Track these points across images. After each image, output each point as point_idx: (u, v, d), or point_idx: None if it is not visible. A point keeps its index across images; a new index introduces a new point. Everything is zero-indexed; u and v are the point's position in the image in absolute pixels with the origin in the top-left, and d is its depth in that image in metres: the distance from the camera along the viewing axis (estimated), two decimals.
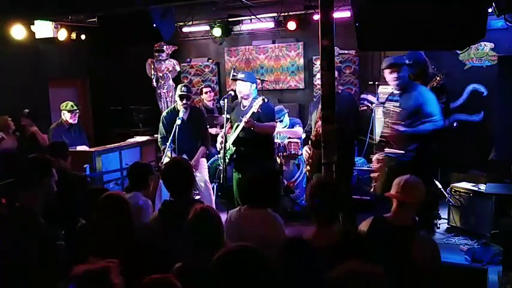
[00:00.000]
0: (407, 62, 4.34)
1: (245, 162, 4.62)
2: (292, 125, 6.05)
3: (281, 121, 5.94)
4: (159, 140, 5.21)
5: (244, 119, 4.51)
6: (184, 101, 4.93)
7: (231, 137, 4.75)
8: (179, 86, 5.12)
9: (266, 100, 4.58)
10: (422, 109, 4.09)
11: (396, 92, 4.29)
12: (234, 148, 4.75)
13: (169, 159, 4.80)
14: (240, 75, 4.75)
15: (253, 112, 4.51)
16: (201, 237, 2.27)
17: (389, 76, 4.21)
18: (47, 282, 2.32)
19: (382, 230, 2.56)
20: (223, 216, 4.89)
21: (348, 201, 4.42)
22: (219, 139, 5.06)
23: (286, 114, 6.03)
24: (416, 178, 2.78)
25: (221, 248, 1.87)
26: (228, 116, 4.85)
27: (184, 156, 4.72)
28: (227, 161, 4.78)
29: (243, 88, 4.70)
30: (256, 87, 4.86)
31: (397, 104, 4.23)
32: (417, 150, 4.09)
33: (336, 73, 4.12)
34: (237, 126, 4.68)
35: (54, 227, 2.66)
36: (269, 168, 3.02)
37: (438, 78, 4.55)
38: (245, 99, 4.74)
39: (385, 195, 2.77)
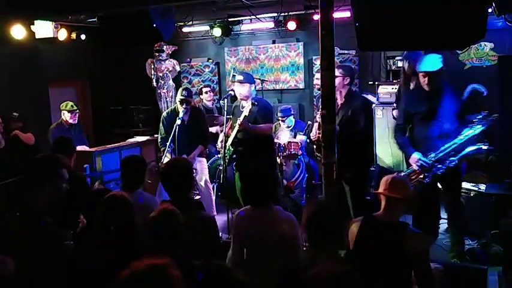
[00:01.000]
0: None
1: (245, 162, 4.61)
2: (294, 130, 6.01)
3: (283, 121, 5.93)
4: (159, 140, 5.23)
5: (238, 122, 4.52)
6: (184, 105, 4.94)
7: (230, 138, 4.76)
8: (180, 90, 5.11)
9: (256, 103, 4.54)
10: (462, 106, 4.07)
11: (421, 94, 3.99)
12: (233, 149, 4.76)
13: (169, 159, 4.80)
14: (238, 77, 4.74)
15: (245, 116, 4.51)
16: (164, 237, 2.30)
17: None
18: (56, 282, 2.31)
19: (372, 227, 2.62)
20: (223, 217, 4.94)
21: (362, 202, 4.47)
22: (220, 139, 5.07)
23: (292, 116, 6.03)
24: (403, 176, 2.82)
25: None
26: (229, 117, 4.85)
27: (184, 156, 4.73)
28: (227, 161, 4.78)
29: (242, 89, 4.70)
30: (255, 88, 4.85)
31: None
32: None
33: (339, 72, 4.10)
34: (235, 126, 4.69)
35: (62, 227, 2.65)
36: (259, 167, 2.98)
37: None
38: (244, 100, 4.73)
39: (374, 193, 2.83)
